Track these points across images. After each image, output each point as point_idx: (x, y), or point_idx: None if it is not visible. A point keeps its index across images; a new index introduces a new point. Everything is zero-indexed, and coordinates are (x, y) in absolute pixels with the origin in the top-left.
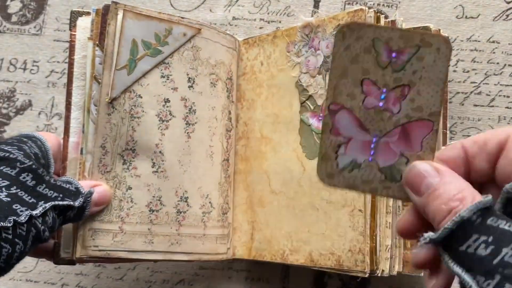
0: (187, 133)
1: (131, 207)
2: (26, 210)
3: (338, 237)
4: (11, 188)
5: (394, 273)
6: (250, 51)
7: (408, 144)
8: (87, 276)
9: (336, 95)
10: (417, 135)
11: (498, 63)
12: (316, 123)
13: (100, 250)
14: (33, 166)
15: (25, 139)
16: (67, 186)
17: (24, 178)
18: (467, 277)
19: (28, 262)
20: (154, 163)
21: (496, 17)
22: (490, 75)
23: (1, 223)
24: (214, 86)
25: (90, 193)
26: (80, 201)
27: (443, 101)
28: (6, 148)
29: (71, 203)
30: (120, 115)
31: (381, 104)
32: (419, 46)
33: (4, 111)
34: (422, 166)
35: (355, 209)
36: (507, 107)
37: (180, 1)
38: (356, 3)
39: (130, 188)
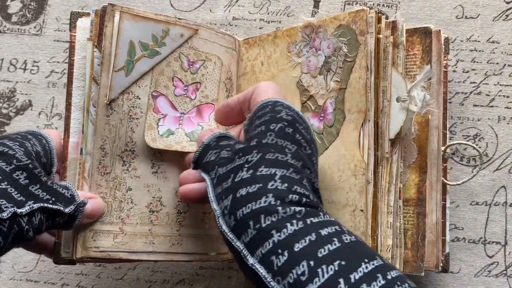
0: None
1: (131, 208)
2: (12, 207)
3: None
4: (2, 183)
5: None
6: (251, 51)
7: (201, 118)
8: (87, 276)
9: (157, 86)
10: (206, 112)
11: (497, 63)
12: (317, 123)
13: (101, 251)
14: (30, 166)
15: (30, 136)
16: (63, 191)
17: (17, 175)
18: (204, 175)
19: (28, 262)
20: (153, 163)
21: (495, 17)
22: (489, 75)
23: None
24: None
25: (84, 203)
26: (71, 208)
27: (220, 92)
28: (7, 143)
29: (61, 208)
30: (119, 116)
31: (184, 93)
32: (205, 60)
33: (4, 111)
34: (204, 131)
35: (356, 209)
36: (507, 107)
37: (180, 1)
38: (356, 3)
39: (130, 189)
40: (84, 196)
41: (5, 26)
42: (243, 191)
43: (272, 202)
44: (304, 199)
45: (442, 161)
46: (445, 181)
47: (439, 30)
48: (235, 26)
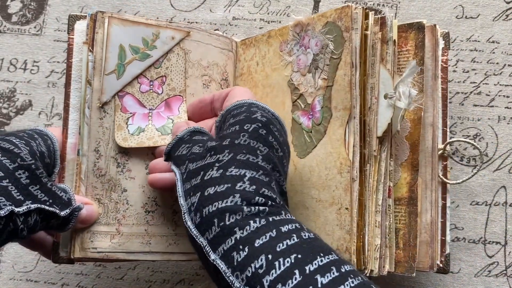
0: None
1: (127, 209)
2: (10, 205)
3: (326, 236)
4: (3, 181)
5: (384, 273)
6: (247, 51)
7: (171, 111)
8: (87, 276)
9: (122, 86)
10: (175, 105)
11: (497, 63)
12: (306, 122)
13: (98, 252)
14: (32, 166)
15: (36, 136)
16: (61, 194)
17: (19, 174)
18: (174, 168)
19: (28, 262)
20: (147, 164)
21: (496, 17)
22: (489, 75)
23: None
24: (207, 87)
25: (79, 208)
26: (67, 212)
27: (185, 82)
28: (14, 141)
29: (57, 211)
30: (112, 118)
31: (150, 88)
32: (167, 53)
33: (4, 111)
34: (180, 123)
35: (342, 207)
36: (507, 107)
37: (180, 1)
38: (356, 3)
39: (125, 190)
40: (80, 201)
41: (5, 26)
42: (211, 190)
43: (239, 203)
44: (270, 202)
45: (442, 159)
46: (445, 180)
47: (434, 25)
48: (235, 26)
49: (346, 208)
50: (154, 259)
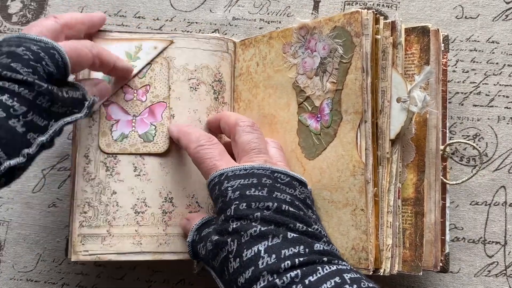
0: (167, 137)
1: (117, 210)
2: (38, 136)
3: (341, 236)
4: (28, 115)
5: (395, 272)
6: (247, 52)
7: (154, 117)
8: (87, 276)
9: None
10: (158, 111)
11: (497, 63)
12: (314, 124)
13: (90, 255)
14: (49, 88)
15: (42, 54)
16: (76, 95)
17: (40, 101)
18: (208, 269)
19: (28, 261)
20: (135, 167)
21: (495, 17)
22: (489, 75)
23: (17, 159)
24: (195, 90)
25: (94, 102)
26: (86, 112)
27: (169, 89)
28: (21, 71)
29: (78, 116)
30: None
31: (133, 97)
32: (151, 63)
33: None
34: (182, 222)
35: (357, 208)
36: (507, 107)
37: (180, 1)
38: (356, 3)
39: (114, 192)
40: (91, 84)
41: (5, 26)
42: (241, 279)
43: (270, 279)
44: (296, 260)
45: (442, 160)
46: (444, 180)
47: (438, 29)
48: (235, 26)
49: (362, 209)
50: (145, 259)
